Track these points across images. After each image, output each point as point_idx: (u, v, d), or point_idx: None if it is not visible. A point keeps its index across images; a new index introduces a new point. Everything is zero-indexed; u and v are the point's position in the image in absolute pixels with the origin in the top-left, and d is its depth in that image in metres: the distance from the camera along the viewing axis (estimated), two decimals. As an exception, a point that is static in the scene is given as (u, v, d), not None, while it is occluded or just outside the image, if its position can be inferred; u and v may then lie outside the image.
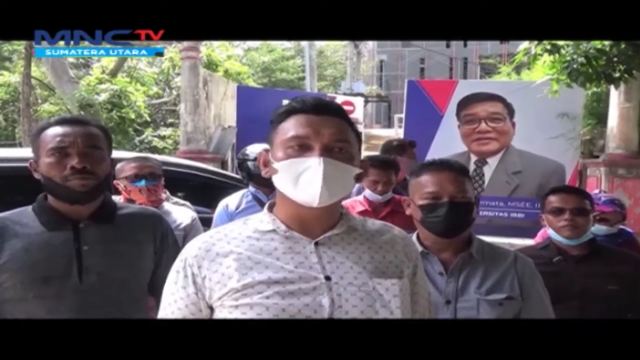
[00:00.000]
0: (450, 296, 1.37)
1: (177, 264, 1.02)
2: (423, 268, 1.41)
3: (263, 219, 1.04)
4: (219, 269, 0.97)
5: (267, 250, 0.98)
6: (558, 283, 1.76)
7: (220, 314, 0.96)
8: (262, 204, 2.53)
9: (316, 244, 1.00)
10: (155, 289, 1.46)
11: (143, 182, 2.25)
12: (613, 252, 1.92)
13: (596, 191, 2.86)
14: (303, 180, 0.95)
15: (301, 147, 0.96)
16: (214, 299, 0.97)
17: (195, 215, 2.45)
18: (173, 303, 1.01)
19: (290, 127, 0.98)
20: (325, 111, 0.99)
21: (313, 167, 0.94)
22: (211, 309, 0.99)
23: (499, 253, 1.45)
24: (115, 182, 2.30)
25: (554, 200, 1.87)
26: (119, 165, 2.34)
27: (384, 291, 0.98)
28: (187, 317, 0.99)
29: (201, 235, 1.05)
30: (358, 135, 1.05)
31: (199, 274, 0.98)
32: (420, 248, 1.43)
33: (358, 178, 1.02)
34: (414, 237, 1.48)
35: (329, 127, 0.97)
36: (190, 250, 1.01)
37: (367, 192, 2.66)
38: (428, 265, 1.41)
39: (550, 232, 1.89)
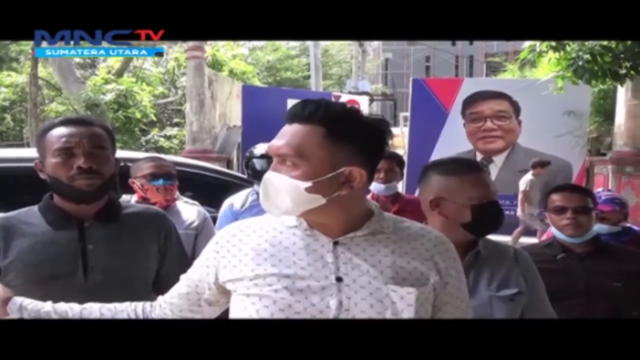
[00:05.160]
0: None
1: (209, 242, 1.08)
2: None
3: None
4: (237, 255, 1.00)
5: (286, 244, 0.99)
6: (562, 280, 1.76)
7: (235, 300, 1.00)
8: (266, 203, 2.53)
9: (336, 243, 0.98)
10: (159, 288, 1.47)
11: (161, 181, 2.27)
12: (617, 250, 1.91)
13: (599, 189, 2.84)
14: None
15: (274, 160, 0.98)
16: (225, 279, 1.00)
17: (207, 214, 2.45)
18: (189, 270, 1.09)
19: None
20: (294, 119, 0.96)
21: (264, 179, 0.97)
22: (220, 289, 1.03)
23: (501, 249, 1.46)
24: (130, 180, 2.32)
25: (556, 199, 1.87)
26: (135, 164, 2.36)
27: (398, 299, 0.93)
28: (189, 283, 1.07)
29: (237, 222, 1.09)
30: (346, 138, 0.94)
31: (219, 251, 1.03)
32: None
33: (346, 185, 0.94)
34: None
35: (281, 138, 0.96)
36: (221, 232, 1.07)
37: (372, 185, 2.63)
38: None
39: (554, 230, 1.89)
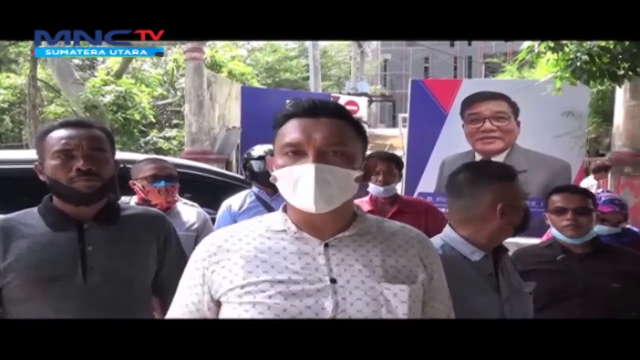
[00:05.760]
0: (506, 294, 1.36)
1: (191, 258, 1.04)
2: (460, 272, 1.28)
3: (276, 219, 1.03)
4: (227, 265, 0.98)
5: (276, 250, 0.98)
6: (562, 281, 1.77)
7: (225, 309, 0.97)
8: (265, 204, 2.53)
9: (326, 245, 0.98)
10: (159, 290, 1.48)
11: (162, 183, 2.25)
12: (617, 251, 1.92)
13: (599, 190, 2.85)
14: (298, 187, 0.94)
15: (295, 154, 0.95)
16: (219, 293, 0.98)
17: (207, 216, 2.45)
18: (181, 295, 1.04)
19: (286, 133, 0.97)
20: (320, 113, 0.96)
21: (306, 174, 0.93)
22: (217, 304, 1.00)
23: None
24: (131, 182, 2.31)
25: (556, 200, 1.88)
26: (135, 166, 2.35)
27: (391, 297, 0.95)
28: (190, 308, 1.02)
29: (217, 231, 1.06)
30: (362, 134, 1.02)
31: (208, 267, 1.00)
32: (482, 253, 1.37)
33: (366, 177, 1.00)
34: (459, 239, 1.39)
35: (322, 130, 0.94)
36: (203, 245, 1.03)
37: (371, 187, 2.62)
38: (481, 267, 1.37)
39: (554, 231, 1.89)
